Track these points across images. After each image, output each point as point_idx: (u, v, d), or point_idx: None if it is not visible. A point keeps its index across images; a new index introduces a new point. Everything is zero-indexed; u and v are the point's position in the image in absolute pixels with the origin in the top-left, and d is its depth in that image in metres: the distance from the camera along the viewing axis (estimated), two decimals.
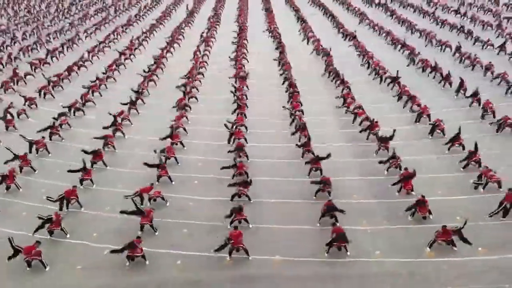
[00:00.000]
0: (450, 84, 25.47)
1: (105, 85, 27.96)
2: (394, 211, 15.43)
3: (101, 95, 26.28)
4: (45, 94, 26.03)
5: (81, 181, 17.14)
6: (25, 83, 28.48)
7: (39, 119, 22.96)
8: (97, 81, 27.47)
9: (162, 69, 31.00)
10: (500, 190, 15.82)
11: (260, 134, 21.11)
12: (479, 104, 22.45)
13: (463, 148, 18.50)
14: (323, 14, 48.82)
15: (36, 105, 24.93)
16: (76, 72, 30.09)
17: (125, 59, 32.84)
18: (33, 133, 20.78)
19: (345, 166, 18.03)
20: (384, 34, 37.60)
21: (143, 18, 49.10)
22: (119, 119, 22.01)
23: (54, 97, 26.26)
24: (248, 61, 31.97)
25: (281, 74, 29.07)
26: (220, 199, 16.40)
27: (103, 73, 29.63)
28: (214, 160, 19.25)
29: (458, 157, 18.09)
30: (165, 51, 34.31)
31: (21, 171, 17.97)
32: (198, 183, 17.65)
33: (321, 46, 34.20)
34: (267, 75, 30.20)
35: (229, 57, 32.37)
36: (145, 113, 24.26)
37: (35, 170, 18.37)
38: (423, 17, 44.10)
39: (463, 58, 29.48)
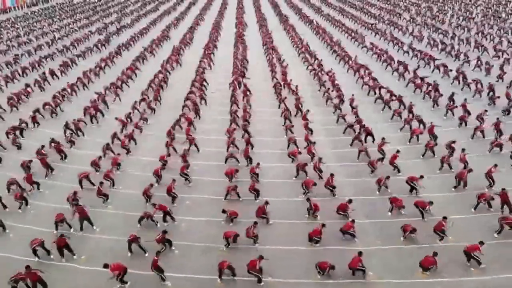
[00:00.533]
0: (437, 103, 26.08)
1: (106, 104, 27.89)
2: (387, 231, 15.44)
3: (96, 119, 26.03)
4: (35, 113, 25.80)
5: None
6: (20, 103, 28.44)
7: (35, 140, 22.67)
8: (98, 100, 27.64)
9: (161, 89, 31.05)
10: (491, 210, 15.96)
11: (254, 153, 21.06)
12: (465, 124, 23.07)
13: (451, 167, 18.81)
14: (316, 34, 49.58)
15: (27, 125, 24.77)
16: (72, 93, 30.01)
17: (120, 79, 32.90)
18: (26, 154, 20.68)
19: (338, 186, 17.99)
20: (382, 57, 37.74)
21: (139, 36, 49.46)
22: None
23: (52, 117, 26.17)
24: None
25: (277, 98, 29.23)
26: (213, 219, 16.30)
27: (109, 87, 29.88)
28: (207, 180, 19.20)
29: (448, 177, 18.24)
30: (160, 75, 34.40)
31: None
32: (190, 203, 17.53)
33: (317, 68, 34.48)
34: (260, 92, 30.46)
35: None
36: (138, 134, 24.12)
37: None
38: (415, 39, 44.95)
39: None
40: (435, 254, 13.32)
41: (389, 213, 16.30)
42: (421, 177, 17.41)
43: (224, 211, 16.17)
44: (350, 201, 16.24)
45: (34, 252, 14.14)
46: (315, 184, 17.52)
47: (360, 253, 13.32)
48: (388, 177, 17.57)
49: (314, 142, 21.16)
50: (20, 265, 13.22)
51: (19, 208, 16.95)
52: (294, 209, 16.91)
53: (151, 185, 17.53)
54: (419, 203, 15.89)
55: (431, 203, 15.89)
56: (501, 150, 20.24)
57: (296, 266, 13.93)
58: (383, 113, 25.90)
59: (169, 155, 20.60)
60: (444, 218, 14.67)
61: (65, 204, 16.65)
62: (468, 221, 15.72)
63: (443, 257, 13.80)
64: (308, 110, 25.08)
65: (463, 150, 19.11)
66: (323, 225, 14.79)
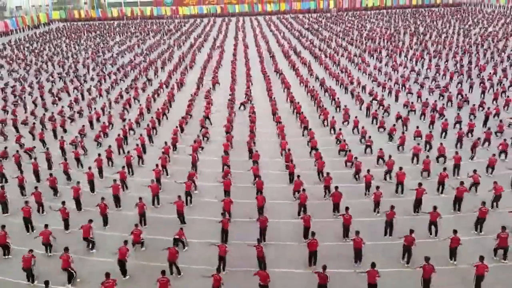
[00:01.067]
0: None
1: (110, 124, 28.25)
2: (387, 253, 15.23)
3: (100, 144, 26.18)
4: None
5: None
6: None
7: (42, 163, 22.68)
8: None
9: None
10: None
11: (251, 174, 20.94)
12: (461, 146, 23.22)
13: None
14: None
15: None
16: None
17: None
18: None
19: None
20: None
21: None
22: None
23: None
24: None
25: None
26: (210, 241, 16.08)
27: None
28: (204, 201, 19.08)
29: (450, 198, 18.08)
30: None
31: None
32: (188, 224, 17.30)
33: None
34: (260, 110, 30.38)
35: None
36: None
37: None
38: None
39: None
40: (427, 259, 13.02)
41: (390, 236, 16.11)
42: (420, 184, 17.70)
43: (223, 214, 16.39)
44: (347, 208, 16.18)
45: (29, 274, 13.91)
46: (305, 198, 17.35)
47: (373, 265, 13.09)
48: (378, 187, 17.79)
49: (328, 173, 19.93)
50: None
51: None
52: (291, 230, 16.73)
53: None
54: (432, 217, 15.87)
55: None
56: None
57: None
58: (382, 133, 26.01)
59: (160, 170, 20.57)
60: (455, 231, 14.53)
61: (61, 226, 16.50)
62: (472, 243, 15.47)
63: (443, 279, 13.58)
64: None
65: (474, 171, 18.98)
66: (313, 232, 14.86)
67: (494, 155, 20.80)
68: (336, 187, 17.75)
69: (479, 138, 23.17)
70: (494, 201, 17.42)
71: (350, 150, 22.38)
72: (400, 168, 19.21)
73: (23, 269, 13.97)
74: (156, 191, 18.67)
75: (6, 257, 15.44)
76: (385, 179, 20.15)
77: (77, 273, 14.20)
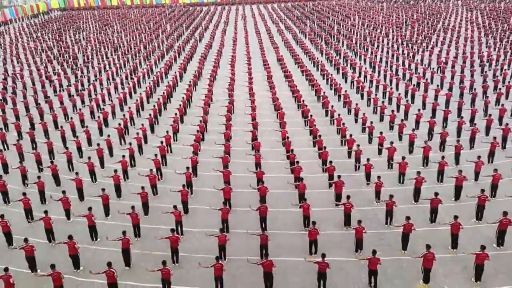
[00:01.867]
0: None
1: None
2: (386, 242, 15.30)
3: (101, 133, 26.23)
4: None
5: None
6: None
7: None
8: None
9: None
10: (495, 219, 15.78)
11: (254, 164, 20.97)
12: (460, 132, 23.09)
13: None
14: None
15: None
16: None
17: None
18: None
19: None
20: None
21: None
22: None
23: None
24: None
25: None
26: (210, 230, 16.16)
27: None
28: (203, 190, 19.13)
29: (449, 187, 18.10)
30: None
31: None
32: (188, 213, 17.46)
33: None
34: (260, 99, 30.24)
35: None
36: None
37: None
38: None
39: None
40: (428, 247, 13.05)
41: (390, 225, 16.14)
42: (419, 172, 17.75)
43: (224, 203, 16.55)
44: (348, 196, 16.21)
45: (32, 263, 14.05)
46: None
47: (374, 252, 13.09)
48: (379, 177, 17.67)
49: (331, 161, 19.81)
50: (19, 278, 13.16)
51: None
52: (292, 220, 16.80)
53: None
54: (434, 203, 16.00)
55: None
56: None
57: (292, 279, 13.77)
58: (383, 124, 25.96)
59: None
60: (456, 216, 14.54)
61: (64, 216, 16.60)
62: (467, 232, 15.50)
63: (443, 268, 13.68)
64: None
65: (478, 157, 18.88)
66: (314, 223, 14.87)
67: (495, 138, 20.80)
68: (339, 176, 17.75)
69: (475, 124, 22.97)
70: (492, 190, 17.41)
71: (351, 135, 22.28)
72: (403, 158, 19.19)
73: (26, 258, 14.10)
74: (153, 181, 18.71)
75: (12, 247, 15.56)
76: (389, 167, 20.22)
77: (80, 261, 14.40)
